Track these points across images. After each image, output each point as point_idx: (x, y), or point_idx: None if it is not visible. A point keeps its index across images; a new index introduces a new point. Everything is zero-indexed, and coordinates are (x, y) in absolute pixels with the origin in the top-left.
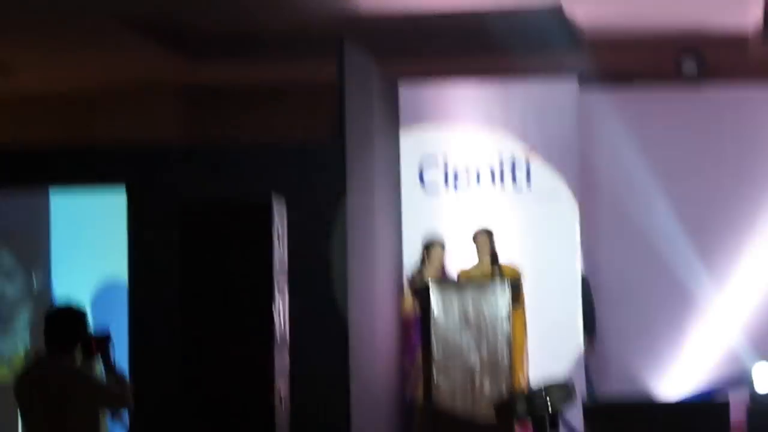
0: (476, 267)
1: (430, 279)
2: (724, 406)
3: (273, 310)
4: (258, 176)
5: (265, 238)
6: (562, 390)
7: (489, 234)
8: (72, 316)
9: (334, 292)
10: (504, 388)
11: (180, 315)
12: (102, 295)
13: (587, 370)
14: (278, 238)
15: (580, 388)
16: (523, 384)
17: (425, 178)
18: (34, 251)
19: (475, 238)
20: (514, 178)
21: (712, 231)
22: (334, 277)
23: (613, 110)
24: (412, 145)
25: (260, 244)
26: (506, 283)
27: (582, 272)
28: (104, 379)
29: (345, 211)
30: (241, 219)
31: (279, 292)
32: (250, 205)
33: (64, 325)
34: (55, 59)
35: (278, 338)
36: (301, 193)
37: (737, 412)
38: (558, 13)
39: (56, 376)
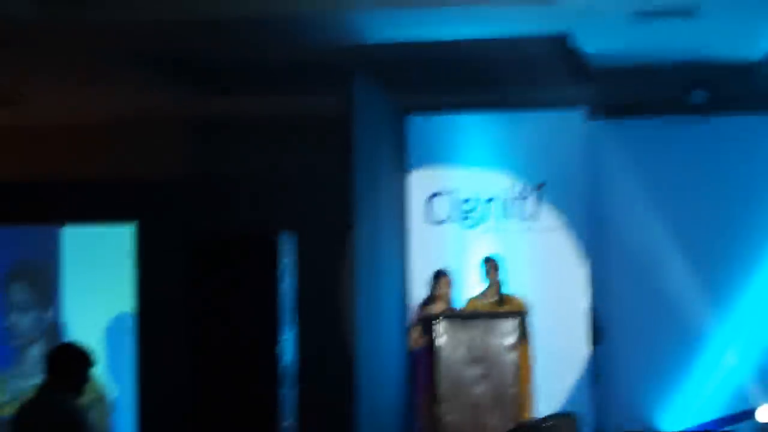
0: (483, 297)
1: (436, 312)
2: None
3: (280, 345)
4: (266, 210)
5: (273, 271)
6: (568, 422)
7: (496, 263)
8: (78, 356)
9: (341, 325)
10: (510, 420)
11: (188, 349)
12: (111, 328)
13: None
14: (285, 272)
15: (586, 421)
16: (529, 416)
17: (433, 210)
18: (46, 285)
19: (482, 268)
20: (522, 210)
21: (719, 263)
22: (341, 309)
23: (621, 141)
24: (421, 177)
25: (267, 278)
26: (513, 316)
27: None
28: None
29: (353, 244)
30: (248, 253)
31: (286, 326)
32: (257, 239)
33: (69, 364)
34: (65, 93)
35: (285, 372)
36: (310, 225)
37: None
38: (566, 44)
39: (55, 412)
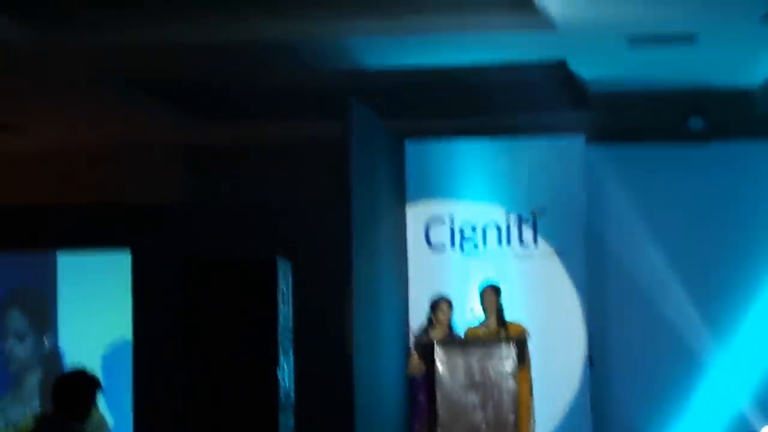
0: (483, 324)
1: (435, 339)
2: None
3: (277, 371)
4: (263, 236)
5: (270, 297)
6: None
7: (495, 290)
8: (86, 382)
9: (340, 352)
10: None
11: (185, 374)
12: (108, 355)
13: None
14: (283, 298)
15: None
16: None
17: (432, 236)
18: (42, 312)
19: (481, 295)
20: (520, 237)
21: (718, 289)
22: (339, 336)
23: (619, 168)
24: (419, 203)
25: (265, 304)
26: (511, 342)
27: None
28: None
29: (351, 270)
30: (245, 278)
31: (284, 352)
32: (254, 264)
33: (77, 390)
34: (60, 118)
35: (283, 399)
36: (307, 252)
37: None
38: (564, 70)
39: None
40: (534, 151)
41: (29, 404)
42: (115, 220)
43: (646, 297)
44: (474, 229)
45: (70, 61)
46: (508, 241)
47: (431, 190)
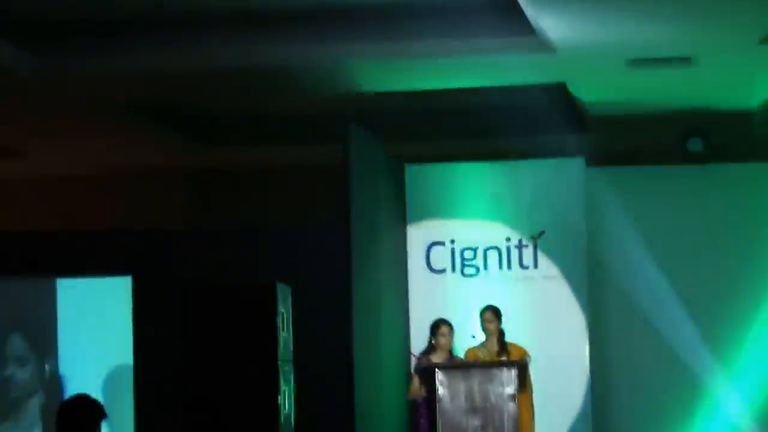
0: (484, 346)
1: (436, 362)
2: None
3: (278, 398)
4: (264, 260)
5: (269, 322)
6: None
7: (496, 312)
8: (90, 410)
9: (340, 376)
10: None
11: (186, 400)
12: (108, 381)
13: None
14: (283, 323)
15: None
16: None
17: (432, 259)
18: (43, 337)
19: (482, 316)
20: (521, 260)
21: (718, 311)
22: (339, 360)
23: (619, 189)
24: (419, 226)
25: (264, 329)
26: (512, 365)
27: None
28: None
29: (351, 294)
30: (244, 304)
31: (284, 377)
32: (253, 290)
33: (81, 418)
34: (63, 144)
35: (283, 426)
36: (307, 276)
37: None
38: (563, 93)
39: None
40: (534, 174)
41: (31, 430)
42: (115, 246)
43: (646, 318)
44: (475, 251)
45: (71, 87)
46: (509, 263)
47: (431, 214)
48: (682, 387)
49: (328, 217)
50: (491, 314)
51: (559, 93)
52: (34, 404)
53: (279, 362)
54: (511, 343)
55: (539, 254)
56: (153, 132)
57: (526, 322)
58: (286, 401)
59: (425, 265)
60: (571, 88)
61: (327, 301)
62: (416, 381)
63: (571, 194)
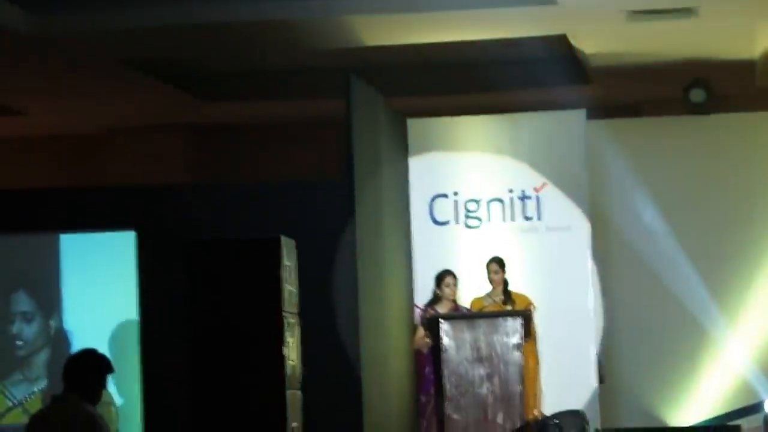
0: (488, 296)
1: (440, 313)
2: (736, 429)
3: (283, 349)
4: (267, 214)
5: (274, 275)
6: (576, 420)
7: (500, 262)
8: (97, 365)
9: (345, 328)
10: (517, 419)
11: (191, 354)
12: (115, 335)
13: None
14: (287, 275)
15: (594, 418)
16: (537, 415)
17: (435, 211)
18: (48, 293)
19: (487, 267)
20: (524, 211)
21: (722, 261)
22: (344, 312)
23: (621, 141)
24: (422, 179)
25: (269, 282)
26: (517, 315)
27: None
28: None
29: (355, 247)
30: (249, 257)
31: (289, 329)
32: (257, 243)
33: (88, 373)
34: (63, 102)
35: (289, 376)
36: (311, 229)
37: None
38: (564, 45)
39: (72, 420)
40: (536, 127)
41: (37, 383)
42: (118, 202)
43: (650, 269)
44: (478, 203)
45: (70, 44)
46: (512, 215)
47: (434, 167)
48: (687, 336)
49: (331, 170)
50: (496, 265)
51: (560, 45)
52: (41, 360)
53: (284, 313)
54: (515, 293)
55: (542, 205)
56: (153, 88)
57: (530, 272)
58: (292, 352)
59: (429, 217)
60: (573, 40)
61: (331, 253)
62: (420, 331)
63: (572, 146)
